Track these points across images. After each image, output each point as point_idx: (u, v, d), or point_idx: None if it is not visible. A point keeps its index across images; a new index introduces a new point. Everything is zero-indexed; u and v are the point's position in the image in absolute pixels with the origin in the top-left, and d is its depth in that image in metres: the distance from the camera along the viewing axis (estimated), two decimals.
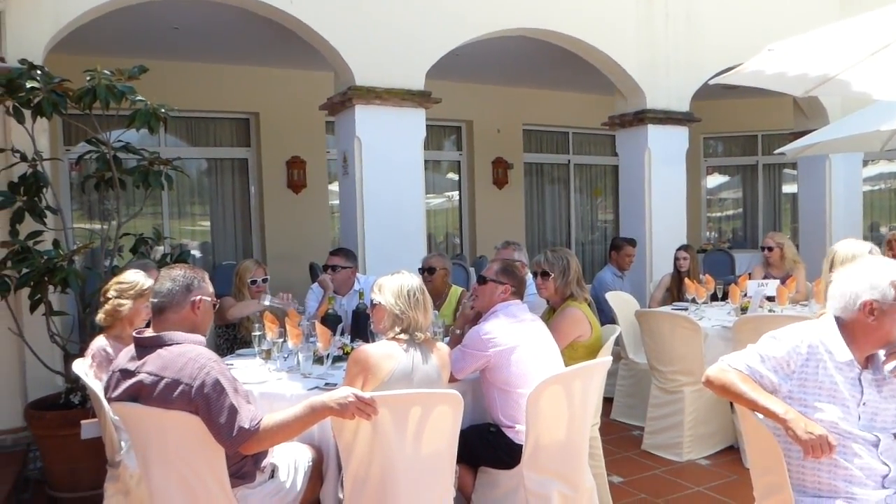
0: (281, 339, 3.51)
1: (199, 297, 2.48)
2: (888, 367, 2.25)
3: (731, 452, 4.59)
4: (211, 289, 2.58)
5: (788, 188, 11.34)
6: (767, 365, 2.30)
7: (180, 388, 2.27)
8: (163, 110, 4.48)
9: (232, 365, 3.45)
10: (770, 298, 5.04)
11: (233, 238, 8.70)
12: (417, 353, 2.76)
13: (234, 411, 2.25)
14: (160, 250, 6.44)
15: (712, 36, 7.42)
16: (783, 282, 5.27)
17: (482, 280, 3.33)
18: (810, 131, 7.36)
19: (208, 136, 8.49)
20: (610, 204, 11.34)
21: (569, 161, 10.94)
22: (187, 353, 2.32)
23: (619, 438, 4.95)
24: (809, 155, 7.52)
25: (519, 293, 3.33)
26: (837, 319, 2.30)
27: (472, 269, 7.11)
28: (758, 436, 2.37)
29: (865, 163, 9.64)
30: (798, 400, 2.26)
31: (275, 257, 8.19)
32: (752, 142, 11.50)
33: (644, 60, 7.11)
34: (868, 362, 2.29)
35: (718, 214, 12.26)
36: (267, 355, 3.48)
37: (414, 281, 2.87)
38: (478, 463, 3.09)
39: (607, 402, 5.05)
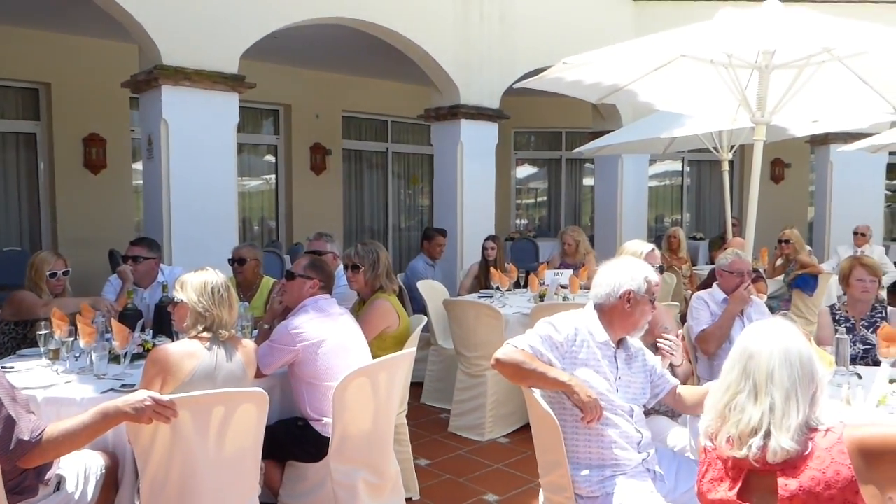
0: (71, 338, 3.27)
1: None
2: (661, 343, 2.74)
3: (528, 430, 4.93)
4: None
5: (588, 181, 12.38)
6: (546, 345, 2.61)
7: None
8: None
9: (11, 368, 3.17)
10: (564, 286, 5.50)
11: (17, 221, 7.87)
12: (221, 351, 2.72)
13: (10, 423, 2.09)
14: None
15: (523, 38, 7.87)
16: (576, 270, 5.79)
17: (290, 276, 3.33)
18: (607, 132, 8.09)
19: None
20: (427, 191, 11.67)
21: (387, 149, 11.10)
22: None
23: (428, 422, 5.17)
24: (604, 154, 8.27)
25: (328, 287, 3.37)
26: (598, 307, 2.69)
27: (287, 257, 7.02)
28: (540, 418, 2.66)
29: (652, 161, 10.76)
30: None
31: (69, 243, 7.51)
32: (557, 138, 12.40)
33: (459, 57, 7.38)
34: (620, 343, 2.69)
35: (528, 201, 13.10)
36: (54, 355, 3.22)
37: (219, 278, 2.81)
38: (285, 457, 3.11)
39: (418, 386, 5.25)
